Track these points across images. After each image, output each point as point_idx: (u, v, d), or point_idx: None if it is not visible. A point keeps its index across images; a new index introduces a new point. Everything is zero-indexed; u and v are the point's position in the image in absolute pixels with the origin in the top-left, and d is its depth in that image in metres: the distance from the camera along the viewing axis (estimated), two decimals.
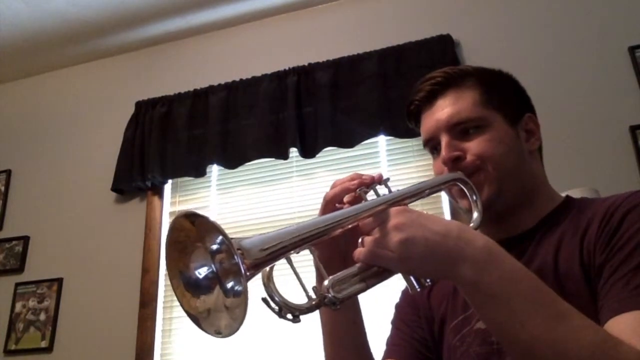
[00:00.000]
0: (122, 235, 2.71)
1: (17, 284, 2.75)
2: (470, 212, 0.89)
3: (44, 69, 3.23)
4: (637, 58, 2.22)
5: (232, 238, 0.59)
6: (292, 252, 0.66)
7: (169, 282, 2.58)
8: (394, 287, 1.18)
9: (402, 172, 2.44)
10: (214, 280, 0.63)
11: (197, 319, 0.63)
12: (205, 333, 0.63)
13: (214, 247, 0.63)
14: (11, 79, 3.31)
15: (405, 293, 1.07)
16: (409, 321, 1.01)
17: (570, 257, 0.81)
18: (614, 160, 2.13)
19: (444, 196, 2.29)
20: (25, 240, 2.85)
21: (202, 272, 0.64)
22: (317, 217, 0.74)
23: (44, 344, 2.61)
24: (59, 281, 2.71)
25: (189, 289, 0.64)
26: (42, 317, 2.66)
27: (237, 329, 0.59)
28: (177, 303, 2.60)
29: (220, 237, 0.61)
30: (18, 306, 2.71)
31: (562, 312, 0.66)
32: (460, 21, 2.53)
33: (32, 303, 2.70)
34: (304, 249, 0.68)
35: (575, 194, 1.14)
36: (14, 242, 2.86)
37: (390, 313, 1.07)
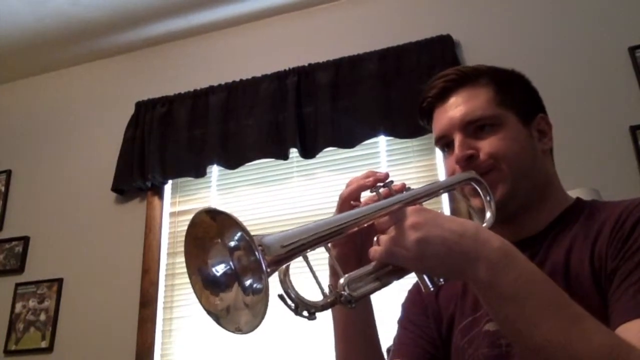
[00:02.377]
0: (122, 235, 2.71)
1: (17, 285, 2.75)
2: (482, 211, 0.88)
3: (44, 69, 3.23)
4: (637, 58, 2.22)
5: (253, 235, 0.59)
6: (310, 249, 0.66)
7: (169, 283, 2.60)
8: (399, 286, 1.18)
9: (402, 172, 2.44)
10: (232, 277, 0.63)
11: (217, 316, 0.64)
12: (225, 330, 0.63)
13: (233, 243, 0.63)
14: (11, 79, 3.30)
15: (412, 292, 1.06)
16: (417, 321, 1.00)
17: (581, 262, 0.81)
18: (614, 160, 2.13)
19: (443, 195, 2.29)
20: (25, 240, 2.85)
21: (220, 269, 0.64)
22: (334, 216, 0.75)
23: (44, 344, 2.61)
24: (59, 281, 2.71)
25: (207, 286, 0.65)
26: (42, 317, 2.66)
27: (258, 325, 0.59)
28: (177, 304, 2.59)
29: (240, 234, 0.61)
30: (18, 306, 2.71)
31: (576, 315, 0.67)
32: (460, 21, 2.53)
33: (32, 303, 2.70)
34: (321, 246, 0.68)
35: (576, 194, 1.14)
36: (14, 243, 2.86)
37: (395, 313, 1.07)
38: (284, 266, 0.66)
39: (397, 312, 1.07)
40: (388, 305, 1.17)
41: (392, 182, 0.81)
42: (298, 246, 0.64)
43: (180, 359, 2.47)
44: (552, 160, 0.98)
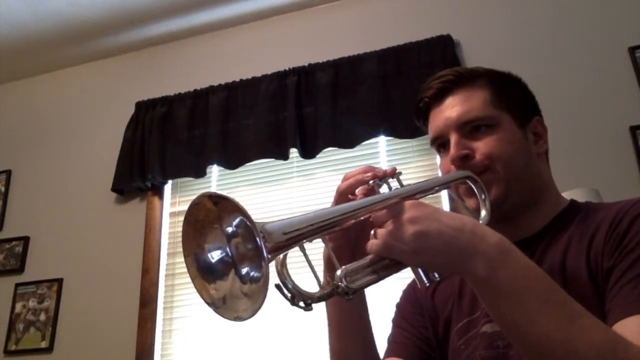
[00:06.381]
0: (122, 235, 2.71)
1: (17, 285, 2.75)
2: (477, 211, 0.89)
3: (44, 69, 3.23)
4: (637, 58, 2.22)
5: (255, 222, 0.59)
6: (308, 239, 0.66)
7: (169, 283, 2.60)
8: (393, 286, 1.17)
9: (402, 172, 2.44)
10: (229, 265, 0.63)
11: (215, 306, 0.63)
12: (224, 319, 0.63)
13: (231, 230, 0.62)
14: (11, 79, 3.30)
15: (407, 292, 1.06)
16: (412, 320, 1.00)
17: (577, 262, 0.81)
18: (614, 160, 2.13)
19: (444, 195, 2.29)
20: (25, 240, 2.85)
21: (216, 255, 0.64)
22: (333, 207, 0.74)
23: (44, 345, 2.61)
24: (59, 281, 2.71)
25: (203, 273, 0.64)
26: (42, 317, 2.66)
27: (257, 309, 0.59)
28: (177, 304, 2.59)
29: (241, 219, 0.61)
30: (18, 306, 2.71)
31: (573, 311, 0.67)
32: (460, 21, 2.53)
33: (32, 303, 2.70)
34: (319, 237, 0.68)
35: (575, 194, 1.14)
36: (14, 242, 2.86)
37: (389, 312, 1.06)
38: (281, 257, 0.66)
39: (389, 312, 1.06)
40: (383, 305, 1.16)
41: (389, 178, 0.81)
42: (299, 234, 0.64)
43: (180, 359, 2.47)
44: (548, 163, 0.98)
